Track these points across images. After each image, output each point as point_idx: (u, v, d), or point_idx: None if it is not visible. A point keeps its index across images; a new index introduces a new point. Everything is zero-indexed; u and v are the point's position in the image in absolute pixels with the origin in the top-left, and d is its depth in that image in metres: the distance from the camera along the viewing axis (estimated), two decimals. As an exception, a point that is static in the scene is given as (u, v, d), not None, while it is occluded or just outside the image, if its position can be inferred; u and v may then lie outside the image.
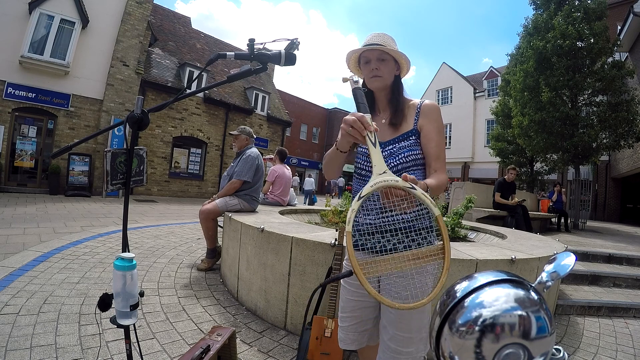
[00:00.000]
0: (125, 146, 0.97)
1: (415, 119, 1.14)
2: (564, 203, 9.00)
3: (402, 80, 1.23)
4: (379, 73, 1.11)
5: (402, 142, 1.12)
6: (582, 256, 4.35)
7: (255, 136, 3.70)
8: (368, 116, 0.95)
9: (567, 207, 9.37)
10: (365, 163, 1.20)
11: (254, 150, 3.52)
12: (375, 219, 1.11)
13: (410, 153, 1.11)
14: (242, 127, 3.62)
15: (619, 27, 11.22)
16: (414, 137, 1.12)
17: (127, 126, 0.90)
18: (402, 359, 1.08)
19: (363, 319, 1.18)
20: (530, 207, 9.39)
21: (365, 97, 1.18)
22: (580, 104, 8.91)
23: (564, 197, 8.96)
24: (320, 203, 12.13)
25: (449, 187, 9.03)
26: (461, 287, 0.54)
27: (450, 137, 23.05)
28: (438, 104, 25.16)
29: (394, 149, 1.13)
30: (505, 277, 0.54)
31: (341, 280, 1.25)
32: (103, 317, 2.03)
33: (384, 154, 1.13)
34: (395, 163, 1.12)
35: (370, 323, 1.19)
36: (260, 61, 0.95)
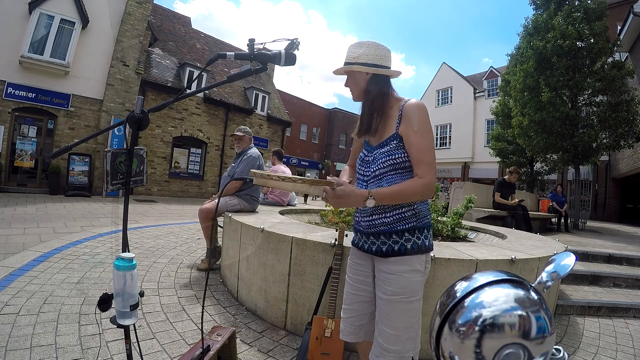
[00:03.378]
0: (125, 146, 0.97)
1: (397, 122, 1.13)
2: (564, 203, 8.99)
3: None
4: (350, 89, 1.20)
5: (384, 148, 1.13)
6: (582, 256, 4.35)
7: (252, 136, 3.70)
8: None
9: (567, 207, 9.35)
10: (360, 167, 1.25)
11: (255, 151, 3.52)
12: (369, 219, 1.16)
13: (388, 158, 1.11)
14: (244, 127, 3.61)
15: (619, 27, 11.22)
16: (395, 142, 1.12)
17: (127, 126, 0.90)
18: (389, 356, 1.09)
19: (360, 313, 1.22)
20: (530, 207, 9.39)
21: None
22: (580, 104, 8.90)
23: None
24: (321, 203, 12.12)
25: (449, 188, 9.01)
26: (461, 287, 0.54)
27: (450, 137, 23.05)
28: (438, 104, 25.23)
29: (377, 155, 1.15)
30: (505, 277, 0.54)
31: (346, 274, 1.29)
32: (103, 317, 2.03)
33: (371, 158, 1.18)
34: (374, 169, 1.15)
35: (366, 318, 1.22)
36: (260, 61, 0.95)
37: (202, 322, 1.26)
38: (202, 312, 1.19)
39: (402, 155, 1.11)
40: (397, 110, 1.13)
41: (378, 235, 1.13)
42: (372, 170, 1.16)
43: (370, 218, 1.14)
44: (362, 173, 1.21)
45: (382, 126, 1.15)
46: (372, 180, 1.15)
